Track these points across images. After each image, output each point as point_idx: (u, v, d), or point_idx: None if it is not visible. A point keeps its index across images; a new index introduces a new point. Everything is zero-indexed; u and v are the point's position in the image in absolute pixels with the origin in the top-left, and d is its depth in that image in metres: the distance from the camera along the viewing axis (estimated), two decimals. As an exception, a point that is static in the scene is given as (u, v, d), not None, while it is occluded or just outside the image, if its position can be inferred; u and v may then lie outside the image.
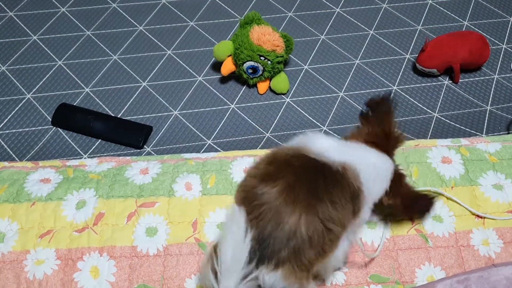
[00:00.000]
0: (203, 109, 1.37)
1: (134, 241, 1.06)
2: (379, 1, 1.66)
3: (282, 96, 1.41)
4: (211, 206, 1.11)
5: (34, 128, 1.32)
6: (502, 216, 1.11)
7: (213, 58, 1.48)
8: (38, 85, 1.42)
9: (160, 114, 1.36)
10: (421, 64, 1.43)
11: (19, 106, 1.37)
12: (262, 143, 1.30)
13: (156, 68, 1.47)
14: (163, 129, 1.33)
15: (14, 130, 1.32)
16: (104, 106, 1.37)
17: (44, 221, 1.08)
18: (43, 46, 1.51)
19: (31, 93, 1.40)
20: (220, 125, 1.34)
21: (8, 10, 1.60)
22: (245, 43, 1.32)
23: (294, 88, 1.43)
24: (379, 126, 0.99)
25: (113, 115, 1.35)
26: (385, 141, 0.99)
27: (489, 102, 1.40)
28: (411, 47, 1.54)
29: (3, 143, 1.29)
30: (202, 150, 1.28)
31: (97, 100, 1.38)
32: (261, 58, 1.32)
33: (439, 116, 1.37)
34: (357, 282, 1.01)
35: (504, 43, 1.55)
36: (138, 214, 1.09)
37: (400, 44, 1.55)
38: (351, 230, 0.88)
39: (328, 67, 1.48)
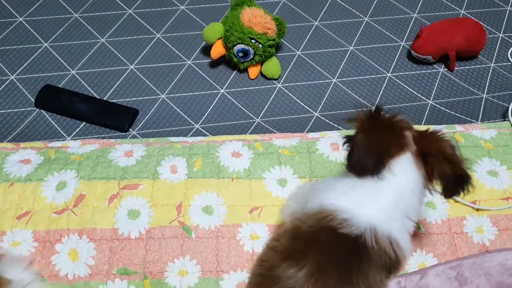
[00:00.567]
0: (191, 93, 1.34)
1: (115, 224, 1.02)
2: (374, -12, 1.63)
3: (274, 81, 1.38)
4: (197, 189, 1.07)
5: (16, 110, 1.28)
6: (497, 204, 1.08)
7: (203, 42, 1.45)
8: (23, 67, 1.38)
9: (147, 98, 1.32)
10: (416, 51, 1.40)
11: (2, 87, 1.32)
12: (251, 128, 1.26)
13: (145, 51, 1.43)
14: (150, 113, 1.29)
15: (-4, 112, 1.28)
16: (89, 89, 1.33)
17: (22, 202, 1.04)
18: (29, 27, 1.47)
19: (15, 75, 1.36)
20: (209, 109, 1.30)
21: (-6, -8, 1.56)
22: (236, 25, 1.28)
23: (286, 74, 1.39)
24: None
25: (98, 97, 1.31)
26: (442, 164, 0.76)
27: (485, 90, 1.37)
28: (406, 35, 1.50)
29: (-16, 124, 1.26)
30: (190, 134, 1.24)
31: (83, 83, 1.34)
32: (252, 41, 1.28)
33: (434, 104, 1.33)
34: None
35: (501, 32, 1.52)
36: (120, 196, 1.05)
37: (395, 32, 1.51)
38: None
39: (321, 53, 1.45)
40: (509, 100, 1.30)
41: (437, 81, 1.39)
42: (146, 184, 1.08)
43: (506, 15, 1.57)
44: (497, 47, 1.48)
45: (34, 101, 1.29)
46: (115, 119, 1.25)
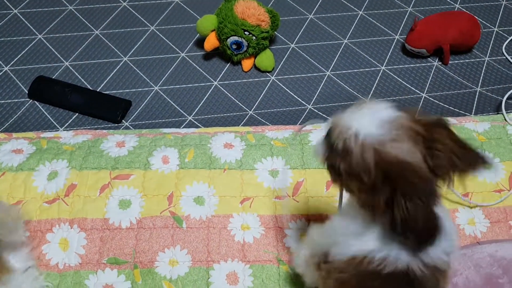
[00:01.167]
0: (184, 85, 1.33)
1: (106, 214, 1.02)
2: (369, -18, 1.63)
3: (267, 74, 1.38)
4: (188, 180, 1.07)
5: (10, 101, 1.28)
6: (490, 196, 1.07)
7: (197, 35, 1.44)
8: (16, 58, 1.37)
9: (140, 89, 1.32)
10: (410, 44, 1.40)
11: (-5, 78, 1.33)
12: (244, 120, 1.26)
13: (138, 43, 1.42)
14: (143, 104, 1.29)
15: (-11, 103, 1.28)
16: (83, 80, 1.33)
17: (13, 191, 1.04)
18: (24, 19, 1.47)
19: (8, 66, 1.35)
20: (202, 101, 1.30)
21: (-11, -16, 1.56)
22: (229, 17, 1.28)
23: (279, 66, 1.39)
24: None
25: (91, 89, 1.31)
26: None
27: (479, 84, 1.36)
28: (401, 29, 1.50)
29: (-23, 115, 1.25)
30: (182, 126, 1.24)
31: (76, 74, 1.34)
32: (246, 33, 1.28)
33: (428, 97, 1.33)
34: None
35: (496, 26, 1.52)
36: (111, 186, 1.05)
37: (390, 25, 1.51)
38: None
39: (316, 46, 1.44)
40: (503, 94, 1.29)
41: (431, 75, 1.39)
42: (138, 174, 1.07)
43: (501, 9, 1.57)
44: (491, 41, 1.48)
45: (27, 92, 1.29)
46: (107, 110, 1.25)
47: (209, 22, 1.31)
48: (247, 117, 1.27)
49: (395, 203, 0.58)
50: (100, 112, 1.25)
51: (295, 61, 1.41)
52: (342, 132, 0.62)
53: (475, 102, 1.32)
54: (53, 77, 1.32)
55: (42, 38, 1.43)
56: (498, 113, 1.27)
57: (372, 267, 0.64)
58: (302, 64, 1.40)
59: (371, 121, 0.61)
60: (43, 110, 1.26)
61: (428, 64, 1.42)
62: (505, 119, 1.21)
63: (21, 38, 1.42)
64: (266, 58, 1.35)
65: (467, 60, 1.43)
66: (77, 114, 1.26)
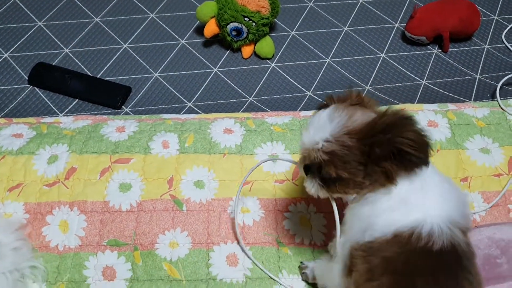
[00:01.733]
0: (184, 72, 1.33)
1: (106, 196, 1.02)
2: (369, -29, 1.63)
3: (267, 60, 1.38)
4: (188, 164, 1.08)
5: (10, 87, 1.28)
6: (489, 181, 1.08)
7: (197, 22, 1.44)
8: (16, 45, 1.37)
9: (140, 76, 1.32)
10: (410, 32, 1.40)
11: (-5, 65, 1.33)
12: (244, 107, 1.26)
13: (138, 30, 1.42)
14: (143, 91, 1.29)
15: (-11, 89, 1.28)
16: (83, 67, 1.33)
17: (13, 174, 1.04)
18: (23, 6, 1.47)
19: (8, 52, 1.35)
20: (202, 88, 1.30)
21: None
22: (229, 3, 1.28)
23: (279, 54, 1.39)
24: None
25: (91, 75, 1.31)
26: None
27: (479, 71, 1.37)
28: (401, 16, 1.50)
29: (-23, 101, 1.26)
30: (182, 112, 1.24)
31: (76, 61, 1.34)
32: (245, 19, 1.28)
33: (427, 84, 1.33)
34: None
35: (496, 14, 1.52)
36: (112, 170, 1.06)
37: (390, 13, 1.51)
38: None
39: (316, 34, 1.44)
40: (503, 81, 1.30)
41: (431, 62, 1.39)
42: (138, 158, 1.08)
43: (501, -2, 1.57)
44: (491, 29, 1.48)
45: (27, 78, 1.29)
46: (107, 96, 1.25)
47: (209, 8, 1.32)
48: (247, 103, 1.27)
49: (399, 148, 0.65)
50: (100, 98, 1.25)
51: (295, 48, 1.41)
52: (312, 147, 0.70)
53: (475, 89, 1.32)
54: (53, 64, 1.33)
55: (42, 25, 1.43)
56: (493, 100, 1.27)
57: (421, 244, 0.66)
58: (302, 51, 1.40)
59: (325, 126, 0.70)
60: (43, 96, 1.27)
61: (428, 51, 1.42)
62: (500, 106, 1.21)
63: (21, 25, 1.42)
64: (266, 45, 1.36)
65: (466, 48, 1.43)
66: (77, 100, 1.26)
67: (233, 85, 1.31)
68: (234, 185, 1.05)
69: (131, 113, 1.24)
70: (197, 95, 1.28)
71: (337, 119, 0.69)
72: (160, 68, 1.34)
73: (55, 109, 1.24)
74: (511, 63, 1.38)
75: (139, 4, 1.49)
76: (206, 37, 1.34)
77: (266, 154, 1.10)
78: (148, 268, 0.94)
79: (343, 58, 1.39)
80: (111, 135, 1.12)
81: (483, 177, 1.08)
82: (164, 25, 1.44)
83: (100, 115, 1.22)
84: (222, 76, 1.33)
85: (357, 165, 0.68)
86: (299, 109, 1.25)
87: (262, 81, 1.33)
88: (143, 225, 0.99)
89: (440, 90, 1.32)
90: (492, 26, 1.49)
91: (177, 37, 1.42)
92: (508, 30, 1.47)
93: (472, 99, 1.29)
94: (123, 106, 1.25)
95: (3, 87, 1.28)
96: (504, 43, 1.44)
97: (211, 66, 1.35)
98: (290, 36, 1.44)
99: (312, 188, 0.76)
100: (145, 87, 1.29)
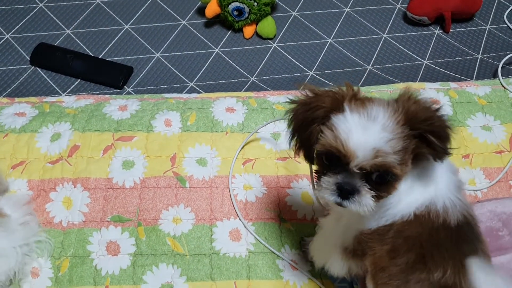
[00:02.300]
0: (186, 53, 1.33)
1: (109, 173, 1.02)
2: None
3: (269, 41, 1.38)
4: (191, 142, 1.08)
5: (12, 67, 1.28)
6: (491, 157, 1.08)
7: (198, 2, 1.44)
8: (18, 26, 1.37)
9: (141, 56, 1.32)
10: (411, 12, 1.39)
11: (-3, 46, 1.33)
12: (246, 86, 1.26)
13: (140, 11, 1.42)
14: (144, 71, 1.29)
15: (-10, 69, 1.28)
16: (85, 48, 1.33)
17: (16, 152, 1.05)
18: (24, -12, 1.47)
19: (10, 34, 1.35)
20: (204, 68, 1.30)
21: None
22: (231, -17, 1.28)
23: (281, 34, 1.39)
24: None
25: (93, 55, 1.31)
26: None
27: (480, 51, 1.36)
28: (403, -3, 1.50)
29: (-21, 82, 1.26)
30: (184, 91, 1.25)
31: (78, 42, 1.34)
32: (247, -2, 1.28)
33: (429, 63, 1.33)
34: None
35: (498, -5, 1.52)
36: (114, 148, 1.06)
37: (392, -6, 1.51)
38: None
39: (317, 14, 1.44)
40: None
41: (432, 42, 1.39)
42: (141, 136, 1.08)
43: (503, -22, 1.57)
44: (493, 9, 1.47)
45: (29, 59, 1.29)
46: (109, 76, 1.25)
47: (210, -12, 1.31)
48: (248, 83, 1.27)
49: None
50: (102, 78, 1.25)
51: (297, 28, 1.41)
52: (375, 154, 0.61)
53: (476, 69, 1.32)
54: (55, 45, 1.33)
55: (43, 7, 1.42)
56: (495, 78, 1.27)
57: (440, 221, 0.66)
58: (304, 31, 1.40)
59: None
60: (45, 77, 1.27)
61: (430, 32, 1.42)
62: (501, 84, 1.21)
63: (22, 6, 1.42)
64: (267, 25, 1.35)
65: (468, 28, 1.43)
66: (79, 80, 1.26)
67: (235, 65, 1.31)
68: (236, 163, 1.06)
69: (133, 93, 1.24)
70: (198, 75, 1.28)
71: (379, 114, 0.61)
72: (162, 49, 1.34)
73: (57, 89, 1.24)
74: (513, 43, 1.39)
75: (140, -15, 1.49)
76: (207, 17, 1.34)
77: (268, 132, 1.10)
78: (152, 243, 0.95)
79: (345, 39, 1.39)
80: (114, 113, 1.12)
81: (485, 154, 1.09)
82: (166, 6, 1.44)
83: (102, 94, 1.22)
84: (224, 56, 1.33)
85: (410, 155, 0.63)
86: (301, 89, 1.25)
87: (264, 61, 1.33)
88: (147, 201, 0.99)
89: (441, 70, 1.32)
90: (494, 6, 1.48)
91: (178, 17, 1.41)
92: (510, 10, 1.47)
93: (474, 79, 1.29)
94: (125, 86, 1.25)
95: (5, 68, 1.28)
96: (506, 23, 1.44)
97: (213, 47, 1.35)
98: (291, 17, 1.43)
99: (369, 203, 0.64)
100: (147, 68, 1.29)
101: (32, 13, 1.40)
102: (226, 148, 1.08)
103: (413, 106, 0.62)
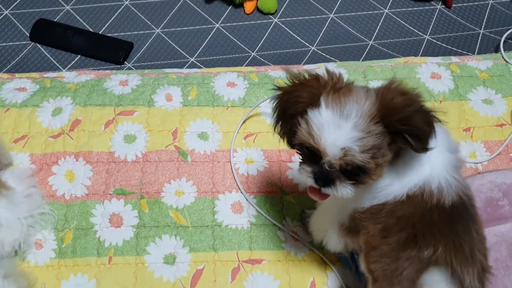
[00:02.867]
0: (186, 28, 1.33)
1: (111, 147, 1.03)
2: None
3: (270, 16, 1.37)
4: (192, 116, 1.08)
5: (11, 43, 1.27)
6: (491, 131, 1.08)
7: (199, -22, 1.43)
8: (17, 2, 1.36)
9: (142, 32, 1.31)
10: (413, -14, 1.39)
11: (-4, 22, 1.32)
12: (247, 61, 1.26)
13: (139, -13, 1.41)
14: (145, 47, 1.28)
15: (-11, 45, 1.28)
16: (84, 24, 1.32)
17: (18, 126, 1.05)
18: (22, -36, 1.45)
19: (8, 10, 1.34)
20: (204, 43, 1.30)
21: None
22: (231, -43, 1.27)
23: (282, 9, 1.38)
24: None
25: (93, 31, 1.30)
26: None
27: (482, 26, 1.36)
28: (405, -28, 1.49)
29: (-21, 58, 1.25)
30: (185, 67, 1.24)
31: (78, 18, 1.33)
32: (247, -27, 1.27)
33: (430, 38, 1.33)
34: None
35: (501, -31, 1.50)
36: (116, 122, 1.06)
37: (393, -31, 1.49)
38: None
39: (319, -11, 1.43)
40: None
41: (434, 17, 1.38)
42: (142, 111, 1.08)
43: (506, -48, 1.55)
44: (496, -16, 1.46)
45: (28, 35, 1.28)
46: (109, 52, 1.25)
47: (210, -38, 1.30)
48: (249, 58, 1.27)
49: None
50: (102, 54, 1.25)
51: (298, 3, 1.40)
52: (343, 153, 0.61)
53: (478, 43, 1.31)
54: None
55: (42, -17, 1.41)
56: (497, 53, 1.26)
57: (434, 202, 0.66)
58: (305, 6, 1.39)
59: None
60: (45, 53, 1.26)
61: (432, 7, 1.41)
62: (503, 58, 1.21)
63: (20, -18, 1.41)
64: (268, 0, 1.34)
65: (470, 3, 1.42)
66: (79, 56, 1.26)
67: (236, 40, 1.31)
68: (238, 137, 1.06)
69: (133, 68, 1.23)
70: (199, 51, 1.28)
71: (352, 111, 0.61)
72: (162, 24, 1.33)
73: (57, 64, 1.24)
74: (515, 18, 1.38)
75: (140, -39, 1.47)
76: (208, -8, 1.33)
77: (269, 107, 1.10)
78: (155, 215, 0.96)
79: (347, 14, 1.38)
80: (115, 88, 1.12)
81: (486, 127, 1.09)
82: (165, -19, 1.43)
83: (103, 70, 1.22)
84: (225, 31, 1.33)
85: (387, 147, 0.63)
86: (302, 63, 1.25)
87: (265, 36, 1.32)
88: (149, 175, 1.00)
89: (443, 45, 1.31)
90: (497, -19, 1.47)
91: (178, -7, 1.41)
92: (513, -16, 1.45)
93: (476, 53, 1.28)
94: (125, 62, 1.25)
95: (4, 44, 1.27)
96: (509, -2, 1.43)
97: (213, 22, 1.34)
98: (293, -8, 1.42)
99: (346, 190, 0.66)
100: (147, 43, 1.29)
101: (30, -11, 1.39)
102: (227, 123, 1.08)
103: (391, 102, 0.61)
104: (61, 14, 1.34)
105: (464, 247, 0.67)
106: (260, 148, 1.05)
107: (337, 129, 0.61)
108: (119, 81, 1.14)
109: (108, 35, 1.29)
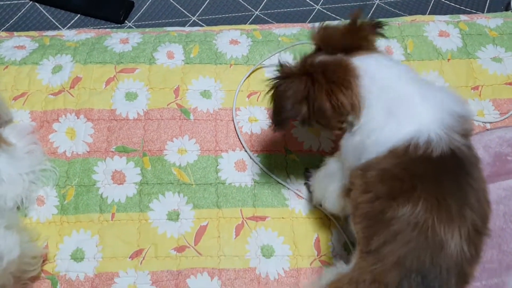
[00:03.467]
0: (188, -14, 1.29)
1: (112, 105, 1.01)
2: None
3: (274, -26, 1.33)
4: (194, 74, 1.06)
5: (9, 2, 1.24)
6: (500, 89, 1.06)
7: None
8: (14, -40, 1.33)
9: (142, -10, 1.28)
10: None
11: (-7, -20, 1.28)
12: (250, 20, 1.23)
13: None
14: (145, 6, 1.25)
15: (-13, 5, 1.25)
16: (83, -18, 1.29)
17: (17, 84, 1.03)
18: None
19: (5, -32, 1.31)
20: (206, 1, 1.27)
21: None
22: None
23: (286, -33, 1.34)
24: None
25: (92, -11, 1.27)
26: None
27: (492, -16, 1.32)
28: None
29: (-24, 17, 1.22)
30: (186, 25, 1.21)
31: (76, -24, 1.30)
32: None
33: (439, -3, 1.29)
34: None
35: None
36: (117, 79, 1.04)
37: None
38: None
39: None
40: (517, -7, 1.26)
41: (443, -25, 1.34)
42: (143, 68, 1.06)
43: None
44: None
45: (26, -7, 1.25)
46: (110, 10, 1.22)
47: None
48: (253, 17, 1.24)
49: None
50: (102, 13, 1.22)
51: (302, -39, 1.36)
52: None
53: (488, 2, 1.28)
54: (52, -21, 1.29)
55: None
56: (507, 10, 1.23)
57: (420, 153, 0.63)
58: (309, -36, 1.35)
59: None
60: (44, 12, 1.23)
61: (440, -35, 1.37)
62: (513, 16, 1.18)
63: None
64: (272, -43, 1.31)
65: (480, -39, 1.37)
66: (79, 15, 1.23)
67: (238, -2, 1.28)
68: (241, 95, 1.04)
69: (134, 27, 1.21)
70: (201, 9, 1.25)
71: None
72: (163, -18, 1.30)
73: (57, 24, 1.21)
74: (526, -24, 1.34)
75: None
76: (210, -52, 1.29)
77: (273, 65, 1.08)
78: (158, 172, 0.94)
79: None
80: (115, 46, 1.09)
81: (494, 86, 1.07)
82: None
83: (103, 29, 1.19)
84: (227, -11, 1.29)
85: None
86: (307, 21, 1.22)
87: (269, -5, 1.29)
88: (151, 133, 0.98)
89: (451, 4, 1.28)
90: None
91: (179, -50, 1.36)
92: None
93: (485, 12, 1.25)
94: (126, 21, 1.22)
95: (2, 2, 1.24)
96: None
97: (216, -20, 1.31)
98: (297, -51, 1.38)
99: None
100: (148, 2, 1.26)
101: None
102: (230, 81, 1.06)
103: None
104: (59, -28, 1.31)
105: (451, 205, 0.61)
106: (264, 107, 1.03)
107: None
108: (120, 39, 1.12)
109: (107, -6, 1.26)
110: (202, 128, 1.00)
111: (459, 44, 1.11)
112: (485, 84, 1.07)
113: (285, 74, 0.73)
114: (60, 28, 1.20)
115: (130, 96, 1.02)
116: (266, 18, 1.23)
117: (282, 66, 0.74)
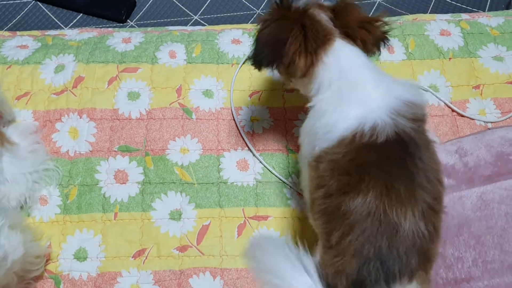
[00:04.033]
0: (190, -15, 1.30)
1: (115, 105, 1.01)
2: None
3: (275, -27, 1.33)
4: (196, 74, 1.06)
5: (12, 1, 1.25)
6: (502, 88, 1.06)
7: None
8: (15, -40, 1.33)
9: (144, -10, 1.28)
10: None
11: (-5, -20, 1.29)
12: (252, 19, 1.23)
13: None
14: (147, 5, 1.26)
15: (-10, 4, 1.25)
16: (85, -19, 1.29)
17: (20, 83, 1.03)
18: None
19: (7, -33, 1.31)
20: (208, 1, 1.27)
21: None
22: None
23: (288, -34, 1.34)
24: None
25: (94, -11, 1.28)
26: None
27: (494, -17, 1.32)
28: None
29: (-21, 16, 1.23)
30: (188, 25, 1.22)
31: (78, -25, 1.30)
32: None
33: (440, -4, 1.30)
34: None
35: None
36: (119, 79, 1.04)
37: None
38: None
39: None
40: (518, -8, 1.26)
41: (444, -26, 1.34)
42: (145, 68, 1.06)
43: None
44: None
45: (28, -8, 1.26)
46: (111, 9, 1.23)
47: None
48: (255, 15, 1.24)
49: None
50: (104, 12, 1.23)
51: (304, -40, 1.36)
52: None
53: (489, 1, 1.28)
54: (55, -22, 1.29)
55: None
56: (508, 9, 1.23)
57: (365, 140, 0.64)
58: (311, -37, 1.35)
59: None
60: (47, 11, 1.24)
61: (442, -37, 1.37)
62: (516, 16, 1.18)
63: None
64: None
65: (482, -40, 1.38)
66: (81, 14, 1.24)
67: (240, -2, 1.28)
68: (243, 95, 1.04)
69: (136, 26, 1.21)
70: (203, 8, 1.25)
71: None
72: (165, -18, 1.30)
73: (59, 23, 1.22)
74: (528, -26, 1.34)
75: None
76: None
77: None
78: (160, 172, 0.95)
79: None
80: (117, 45, 1.10)
81: (496, 85, 1.07)
82: None
83: (105, 28, 1.19)
84: (229, -11, 1.30)
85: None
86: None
87: (270, -6, 1.29)
88: (153, 132, 0.99)
89: (452, 2, 1.28)
90: None
91: (181, -51, 1.37)
92: None
93: (486, 10, 1.25)
94: (127, 20, 1.23)
95: (5, 2, 1.25)
96: (522, -46, 1.38)
97: (217, -21, 1.31)
98: (298, -52, 1.38)
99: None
100: (150, 1, 1.26)
101: None
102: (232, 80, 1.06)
103: None
104: (61, -29, 1.31)
105: (399, 188, 0.62)
106: (266, 106, 1.03)
107: None
108: (122, 38, 1.12)
109: (109, -7, 1.27)
110: (204, 127, 1.00)
111: (460, 43, 1.11)
112: (486, 83, 1.07)
113: (277, 17, 0.75)
114: (62, 28, 1.21)
115: (133, 96, 1.02)
116: (268, 17, 1.23)
117: (277, 5, 0.75)
